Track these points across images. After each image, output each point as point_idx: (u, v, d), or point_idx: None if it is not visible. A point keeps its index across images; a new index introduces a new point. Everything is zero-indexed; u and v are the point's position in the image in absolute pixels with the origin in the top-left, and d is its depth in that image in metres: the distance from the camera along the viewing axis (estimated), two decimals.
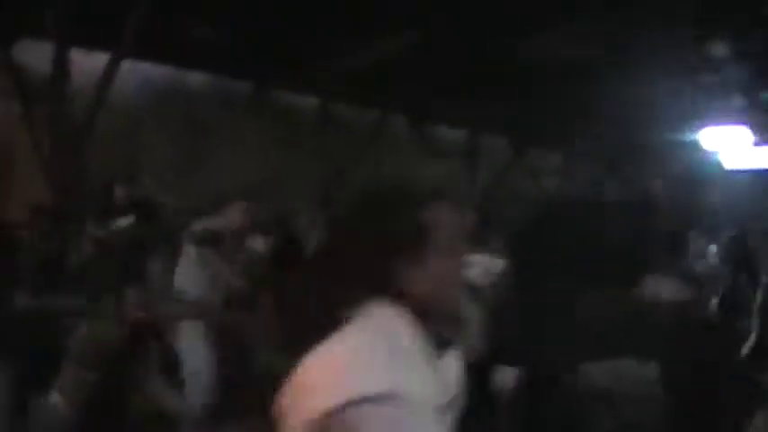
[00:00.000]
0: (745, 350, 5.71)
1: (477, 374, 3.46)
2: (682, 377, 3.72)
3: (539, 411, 4.15)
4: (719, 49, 11.40)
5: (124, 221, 7.40)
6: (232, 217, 6.74)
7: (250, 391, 4.77)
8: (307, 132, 13.36)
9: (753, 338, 5.83)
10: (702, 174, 18.49)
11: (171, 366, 4.70)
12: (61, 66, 9.88)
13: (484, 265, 5.72)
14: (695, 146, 17.50)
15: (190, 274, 6.52)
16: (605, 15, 9.95)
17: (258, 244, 8.25)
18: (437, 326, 2.11)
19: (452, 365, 2.22)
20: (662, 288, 4.55)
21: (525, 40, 10.96)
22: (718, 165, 18.46)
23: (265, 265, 7.61)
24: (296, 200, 11.63)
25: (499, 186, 17.21)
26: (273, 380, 2.05)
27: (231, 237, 6.65)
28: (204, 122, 12.63)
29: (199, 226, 6.62)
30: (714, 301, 7.02)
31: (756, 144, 17.44)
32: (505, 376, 4.41)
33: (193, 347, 6.15)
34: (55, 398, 3.77)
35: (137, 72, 11.61)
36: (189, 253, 6.56)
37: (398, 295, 2.05)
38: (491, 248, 6.22)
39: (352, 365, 1.95)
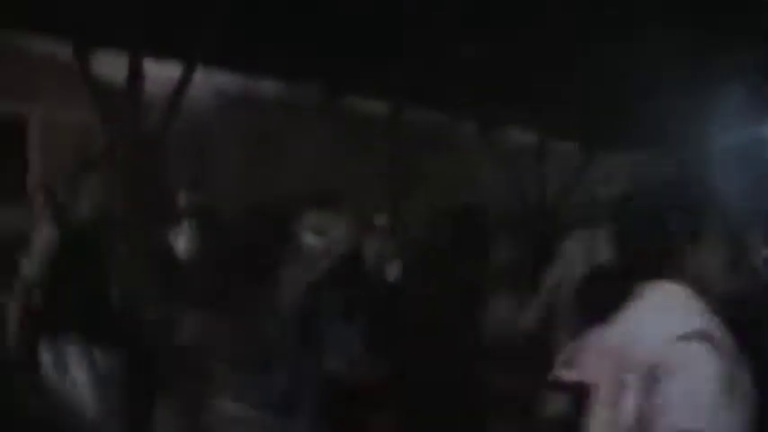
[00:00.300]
0: None
1: None
2: None
3: None
4: None
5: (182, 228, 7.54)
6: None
7: None
8: (377, 137, 13.42)
9: None
10: None
11: None
12: (135, 76, 10.08)
13: None
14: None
15: None
16: (675, 20, 9.82)
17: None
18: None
19: None
20: None
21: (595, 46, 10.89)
22: None
23: None
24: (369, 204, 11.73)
25: (570, 190, 17.09)
26: None
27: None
28: (275, 129, 12.78)
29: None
30: None
31: None
32: None
33: None
34: None
35: (209, 80, 11.81)
36: None
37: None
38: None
39: (673, 310, 2.32)
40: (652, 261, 2.42)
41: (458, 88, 12.64)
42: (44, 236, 6.55)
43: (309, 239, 6.41)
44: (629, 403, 2.25)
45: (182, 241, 9.15)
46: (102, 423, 5.57)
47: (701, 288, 2.39)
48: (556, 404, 2.57)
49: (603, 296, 2.52)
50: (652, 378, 2.21)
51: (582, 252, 6.05)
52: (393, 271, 8.32)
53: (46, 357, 5.96)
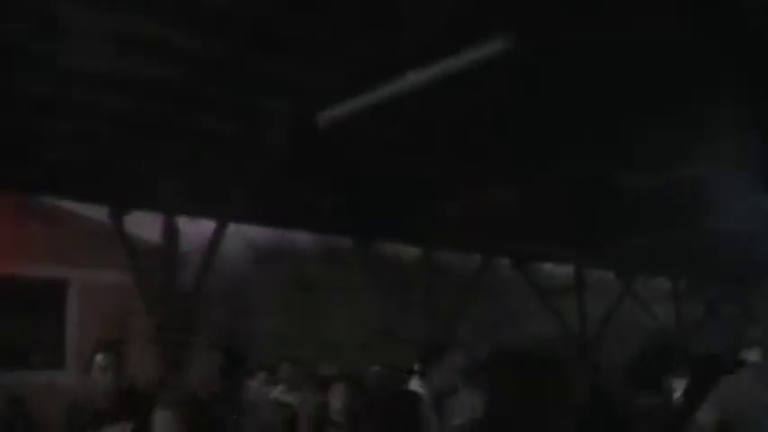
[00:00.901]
0: None
1: None
2: None
3: None
4: None
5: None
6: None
7: None
8: (412, 281, 13.42)
9: None
10: None
11: None
12: (170, 234, 10.23)
13: None
14: None
15: None
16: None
17: None
18: None
19: None
20: None
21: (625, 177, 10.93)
22: None
23: None
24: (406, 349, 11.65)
25: (610, 318, 16.91)
26: None
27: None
28: (310, 278, 12.86)
29: None
30: None
31: None
32: None
33: None
34: None
35: (242, 233, 11.99)
36: None
37: None
38: None
39: None
40: None
41: (490, 228, 12.70)
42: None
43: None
44: None
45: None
46: None
47: None
48: None
49: None
50: None
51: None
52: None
53: None
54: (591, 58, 7.60)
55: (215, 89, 7.85)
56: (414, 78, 7.35)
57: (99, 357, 6.55)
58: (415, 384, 6.76)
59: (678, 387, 6.97)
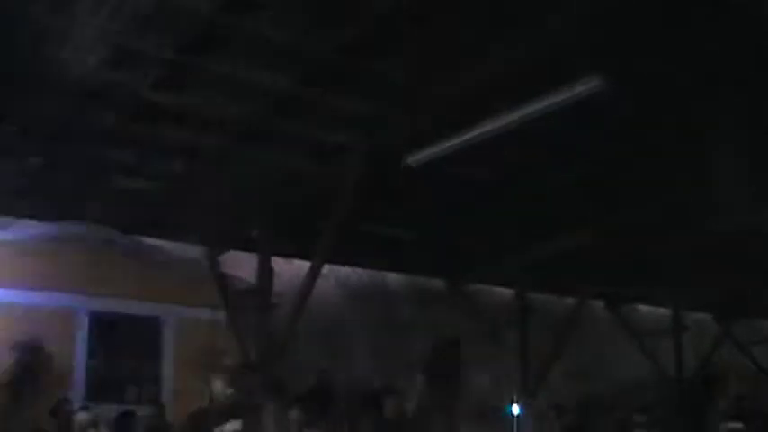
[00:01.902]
0: None
1: None
2: None
3: None
4: None
5: None
6: None
7: None
8: (505, 324, 13.29)
9: None
10: None
11: None
12: (265, 274, 10.35)
13: None
14: None
15: None
16: None
17: None
18: None
19: None
20: None
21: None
22: None
23: None
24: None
25: (708, 362, 16.49)
26: None
27: None
28: (404, 320, 12.91)
29: None
30: None
31: None
32: None
33: None
34: None
35: (335, 274, 12.10)
36: None
37: None
38: None
39: None
40: None
41: (583, 270, 12.58)
42: None
43: None
44: None
45: None
46: None
47: None
48: None
49: None
50: None
51: None
52: None
53: None
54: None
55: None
56: (503, 119, 7.38)
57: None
58: None
59: None
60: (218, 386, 10.01)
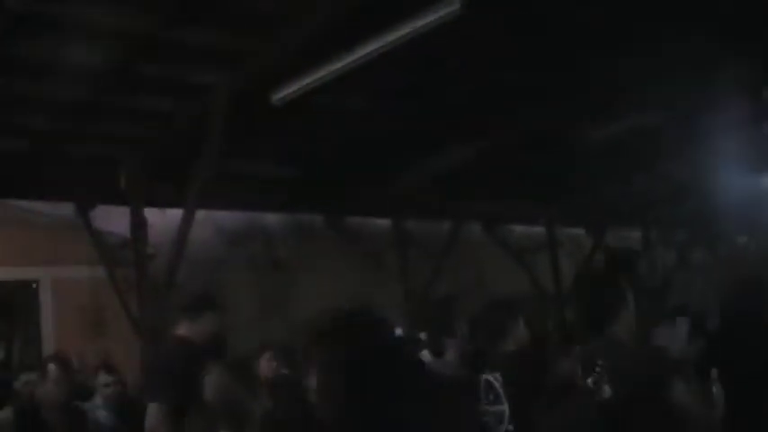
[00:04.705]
0: None
1: None
2: None
3: None
4: None
5: None
6: None
7: None
8: (385, 252, 13.41)
9: None
10: None
11: None
12: (138, 227, 10.17)
13: None
14: None
15: None
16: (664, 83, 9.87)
17: None
18: None
19: None
20: None
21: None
22: None
23: None
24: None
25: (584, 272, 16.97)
26: None
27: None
28: (283, 258, 12.88)
29: None
30: None
31: None
32: None
33: None
34: None
35: (210, 219, 11.93)
36: None
37: None
38: None
39: None
40: None
41: (457, 193, 12.78)
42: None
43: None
44: None
45: None
46: None
47: None
48: None
49: None
50: None
51: None
52: None
53: None
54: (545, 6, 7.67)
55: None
56: (367, 47, 7.36)
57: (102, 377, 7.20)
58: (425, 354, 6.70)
59: None
60: None
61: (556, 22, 8.01)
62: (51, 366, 6.30)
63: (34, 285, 11.34)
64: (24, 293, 11.34)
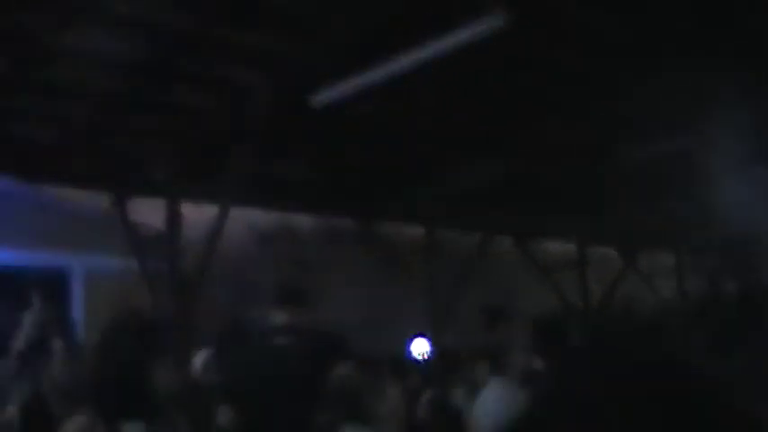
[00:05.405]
0: None
1: None
2: None
3: None
4: None
5: None
6: None
7: None
8: (414, 261, 13.44)
9: None
10: None
11: None
12: (173, 220, 10.28)
13: None
14: None
15: None
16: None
17: None
18: None
19: None
20: None
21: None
22: None
23: None
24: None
25: (612, 295, 16.93)
26: None
27: None
28: (313, 261, 12.95)
29: None
30: None
31: None
32: None
33: None
34: None
35: (244, 218, 12.02)
36: None
37: None
38: None
39: None
40: None
41: (489, 206, 12.80)
42: None
43: None
44: None
45: None
46: None
47: None
48: None
49: None
50: None
51: None
52: None
53: None
54: (582, 30, 7.69)
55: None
56: (408, 57, 7.42)
57: None
58: None
59: None
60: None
61: (598, 39, 8.04)
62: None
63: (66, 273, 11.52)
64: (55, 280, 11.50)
